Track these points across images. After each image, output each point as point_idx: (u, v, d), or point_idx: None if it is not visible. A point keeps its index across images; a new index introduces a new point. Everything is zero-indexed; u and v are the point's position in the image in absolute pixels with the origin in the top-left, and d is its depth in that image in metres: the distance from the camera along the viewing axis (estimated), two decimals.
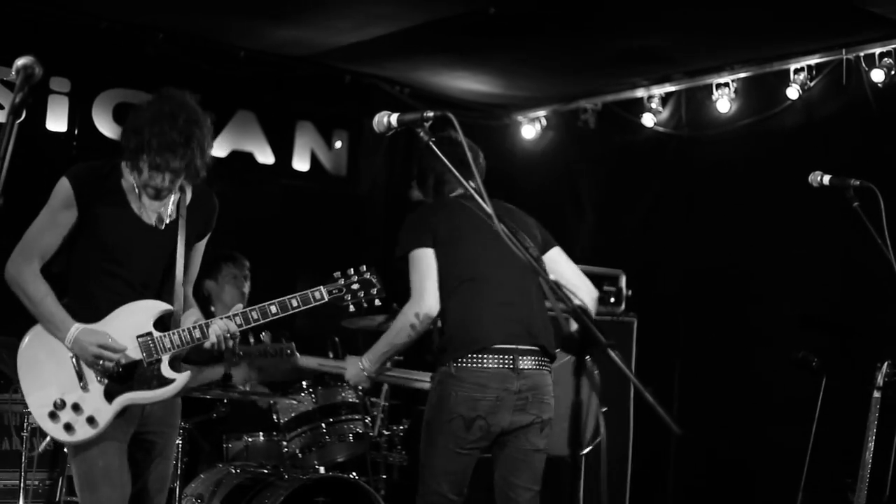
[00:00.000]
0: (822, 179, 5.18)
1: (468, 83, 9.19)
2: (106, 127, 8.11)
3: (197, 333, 4.34)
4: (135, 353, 4.29)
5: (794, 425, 7.29)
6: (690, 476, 8.43)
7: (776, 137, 8.19)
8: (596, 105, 9.46)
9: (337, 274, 4.55)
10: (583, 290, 5.14)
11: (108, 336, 4.25)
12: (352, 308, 4.59)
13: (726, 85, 8.44)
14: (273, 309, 4.39)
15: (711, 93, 8.50)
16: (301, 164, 9.19)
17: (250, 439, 6.65)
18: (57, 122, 7.93)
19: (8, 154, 2.75)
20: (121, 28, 8.02)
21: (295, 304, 4.41)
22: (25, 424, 6.34)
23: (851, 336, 7.34)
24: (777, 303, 8.05)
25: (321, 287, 4.48)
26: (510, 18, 7.51)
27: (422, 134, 3.66)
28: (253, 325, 4.39)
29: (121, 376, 4.28)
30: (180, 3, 7.56)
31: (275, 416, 6.47)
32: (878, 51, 7.58)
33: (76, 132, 8.01)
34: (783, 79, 8.08)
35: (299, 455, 6.34)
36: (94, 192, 4.35)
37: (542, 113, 9.89)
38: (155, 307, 4.36)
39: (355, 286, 4.54)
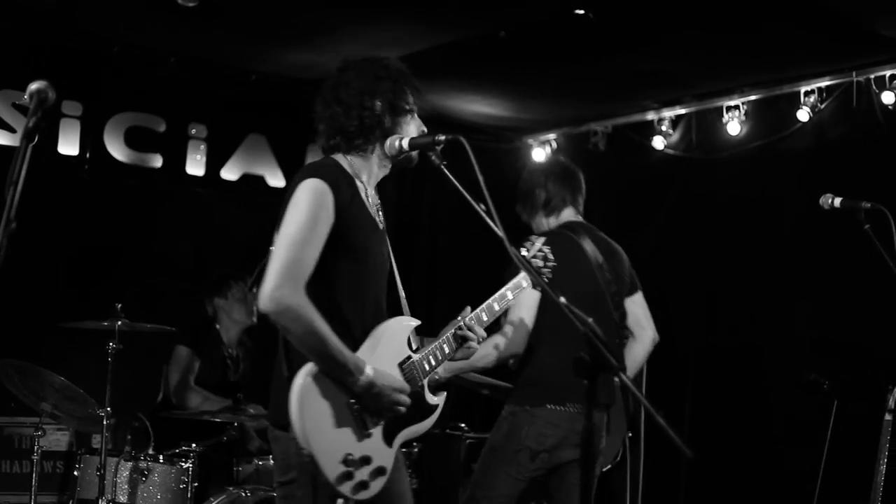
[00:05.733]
0: (832, 202, 5.17)
1: (479, 106, 9.21)
2: (118, 150, 8.15)
3: (447, 348, 3.98)
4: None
5: (805, 448, 7.27)
6: (702, 499, 8.39)
7: (786, 160, 8.18)
8: (606, 128, 9.47)
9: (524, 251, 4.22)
10: (647, 332, 5.62)
11: (398, 378, 3.78)
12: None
13: (736, 107, 8.44)
14: (495, 306, 4.23)
15: (722, 115, 8.51)
16: None
17: (261, 462, 6.64)
18: (69, 145, 7.96)
19: (21, 178, 2.75)
20: (132, 52, 8.05)
21: (509, 296, 4.30)
22: (35, 447, 6.34)
23: (863, 359, 7.32)
24: (788, 325, 8.04)
25: (521, 276, 4.30)
26: (520, 42, 7.53)
27: (433, 157, 3.67)
28: (489, 322, 4.19)
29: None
30: (191, 27, 7.60)
31: None
32: (888, 73, 7.59)
33: (88, 156, 8.04)
34: (793, 101, 8.08)
35: None
36: (344, 193, 3.75)
37: (552, 136, 9.90)
38: (406, 325, 3.91)
39: (540, 263, 4.23)
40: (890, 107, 7.55)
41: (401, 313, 3.98)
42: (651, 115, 9.09)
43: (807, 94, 8.02)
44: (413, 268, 9.77)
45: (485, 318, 4.14)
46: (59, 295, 7.66)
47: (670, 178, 9.01)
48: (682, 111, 8.92)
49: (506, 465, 5.12)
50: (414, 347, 3.91)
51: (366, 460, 3.65)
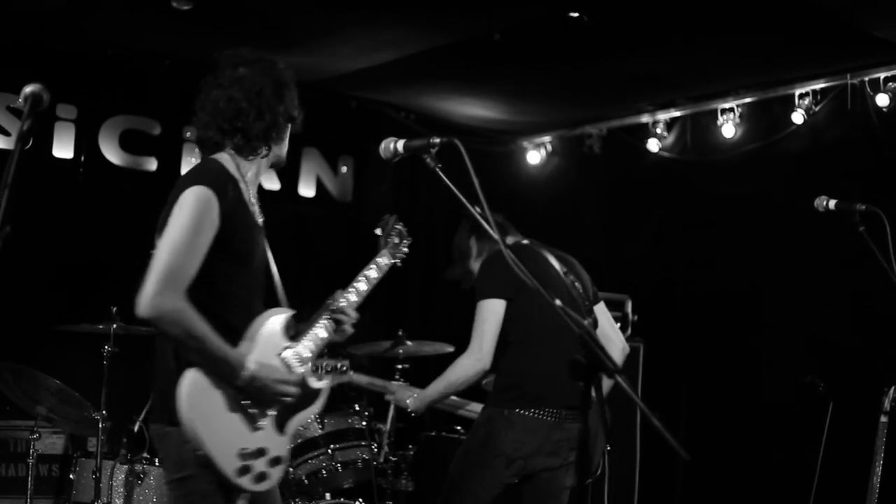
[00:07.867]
0: (827, 204, 5.17)
1: (474, 109, 9.21)
2: (112, 153, 8.13)
3: (323, 333, 4.10)
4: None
5: (801, 450, 7.28)
6: (698, 501, 8.40)
7: (781, 162, 8.19)
8: (601, 130, 9.48)
9: (378, 231, 4.66)
10: (615, 343, 5.49)
11: (280, 369, 3.84)
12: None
13: (731, 110, 8.45)
14: (362, 287, 4.41)
15: (716, 118, 8.52)
16: (307, 190, 9.20)
17: None
18: (63, 148, 7.95)
19: (14, 181, 2.75)
20: (126, 55, 8.05)
21: (374, 275, 4.51)
22: (31, 451, 6.33)
23: (858, 360, 7.32)
24: (784, 328, 8.04)
25: (382, 257, 4.61)
26: (515, 45, 7.53)
27: (428, 160, 3.67)
28: (358, 303, 4.32)
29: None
30: (185, 30, 7.59)
31: None
32: (882, 75, 7.60)
33: (82, 159, 8.02)
34: (788, 103, 8.09)
35: (305, 482, 6.32)
36: (230, 199, 3.83)
37: (547, 138, 9.91)
38: (281, 316, 3.95)
39: (396, 240, 4.70)
40: (884, 109, 7.56)
41: (278, 304, 4.06)
42: (646, 118, 9.09)
43: (801, 96, 8.02)
44: (409, 270, 9.74)
45: (353, 299, 4.29)
46: (55, 298, 7.65)
47: (665, 181, 9.02)
48: (677, 114, 8.93)
49: (481, 469, 5.10)
50: (290, 336, 3.98)
51: (261, 452, 3.76)
